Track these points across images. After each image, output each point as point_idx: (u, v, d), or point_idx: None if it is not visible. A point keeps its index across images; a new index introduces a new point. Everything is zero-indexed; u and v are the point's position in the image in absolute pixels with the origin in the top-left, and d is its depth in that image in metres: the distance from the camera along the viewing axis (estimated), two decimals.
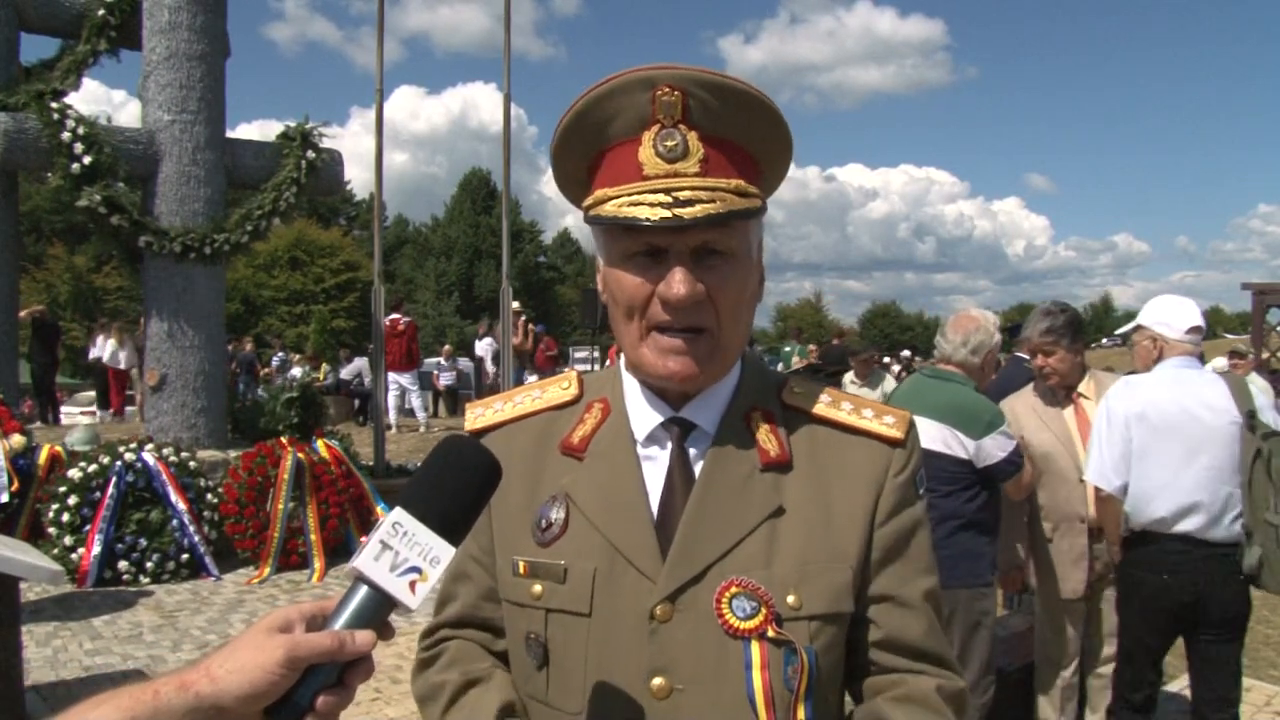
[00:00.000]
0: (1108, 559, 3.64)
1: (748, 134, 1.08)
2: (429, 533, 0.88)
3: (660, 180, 1.04)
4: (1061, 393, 3.80)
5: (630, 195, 1.05)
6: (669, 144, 1.04)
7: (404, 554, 0.87)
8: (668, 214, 1.02)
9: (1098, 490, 3.35)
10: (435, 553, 0.88)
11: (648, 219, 1.02)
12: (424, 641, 1.25)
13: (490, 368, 18.21)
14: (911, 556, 1.13)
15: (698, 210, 1.02)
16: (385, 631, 0.88)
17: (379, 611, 0.87)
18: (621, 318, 1.12)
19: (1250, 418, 3.18)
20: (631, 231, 1.06)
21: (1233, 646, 3.30)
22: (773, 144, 1.11)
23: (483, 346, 18.47)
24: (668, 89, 1.03)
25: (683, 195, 1.03)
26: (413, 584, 0.86)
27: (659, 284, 1.06)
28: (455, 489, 0.93)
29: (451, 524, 0.90)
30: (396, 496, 0.92)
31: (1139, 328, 3.50)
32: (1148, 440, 3.25)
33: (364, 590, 0.87)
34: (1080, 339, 3.78)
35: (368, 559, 0.86)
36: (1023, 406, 3.84)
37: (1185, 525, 3.20)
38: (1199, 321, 3.39)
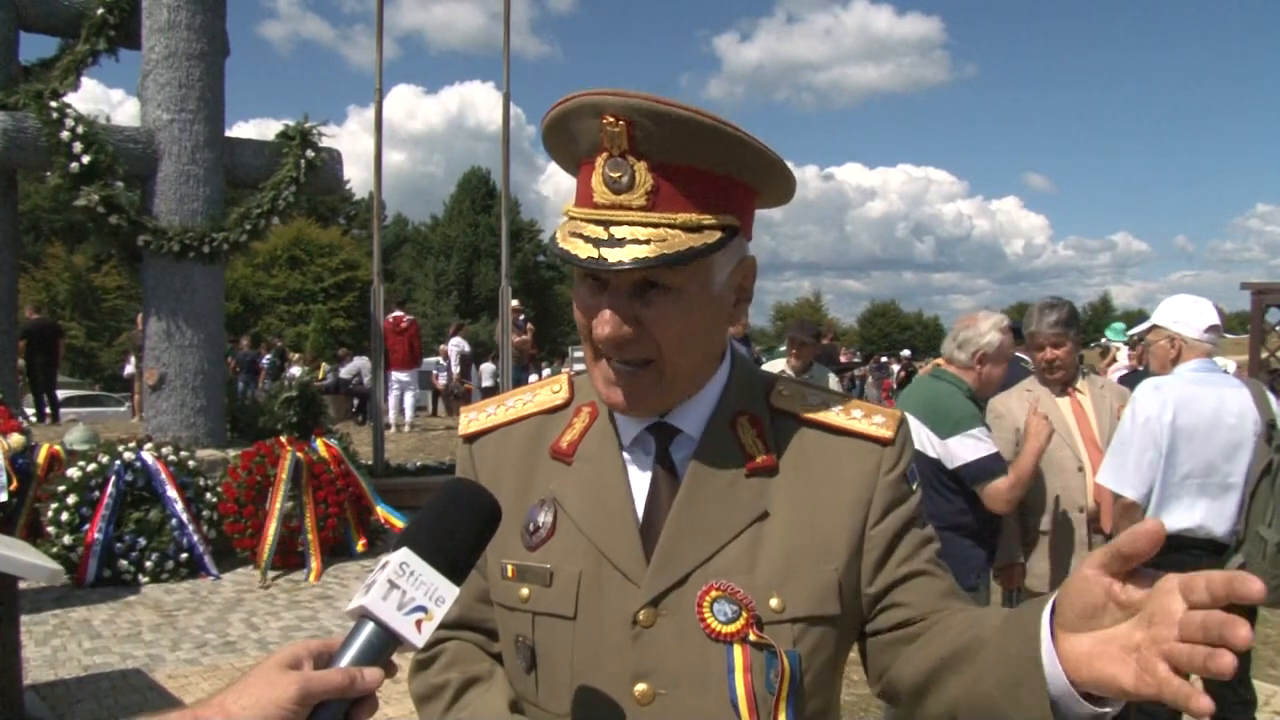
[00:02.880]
0: None
1: (710, 159, 1.02)
2: (435, 573, 0.91)
3: (604, 211, 1.02)
4: (1058, 387, 3.80)
5: (576, 222, 1.04)
6: (614, 174, 1.01)
7: (411, 593, 0.89)
8: (595, 254, 0.99)
9: (1118, 497, 3.29)
10: (440, 592, 0.90)
11: (578, 255, 1.00)
12: None
13: (455, 368, 17.06)
14: (912, 539, 1.12)
15: (624, 254, 0.98)
16: (390, 669, 0.90)
17: (385, 649, 0.89)
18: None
19: (1270, 428, 3.17)
20: None
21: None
22: (745, 163, 1.04)
23: (450, 346, 17.29)
24: (612, 119, 0.98)
25: (619, 232, 1.00)
26: (419, 623, 0.88)
27: (593, 316, 1.05)
28: (460, 531, 0.95)
29: (456, 564, 0.93)
30: (400, 536, 0.94)
31: (1155, 327, 3.47)
32: (1179, 444, 3.22)
33: (370, 628, 0.88)
34: (1080, 331, 3.79)
35: (375, 598, 0.88)
36: (1016, 401, 3.83)
37: (1215, 531, 3.21)
38: (1216, 320, 3.37)
